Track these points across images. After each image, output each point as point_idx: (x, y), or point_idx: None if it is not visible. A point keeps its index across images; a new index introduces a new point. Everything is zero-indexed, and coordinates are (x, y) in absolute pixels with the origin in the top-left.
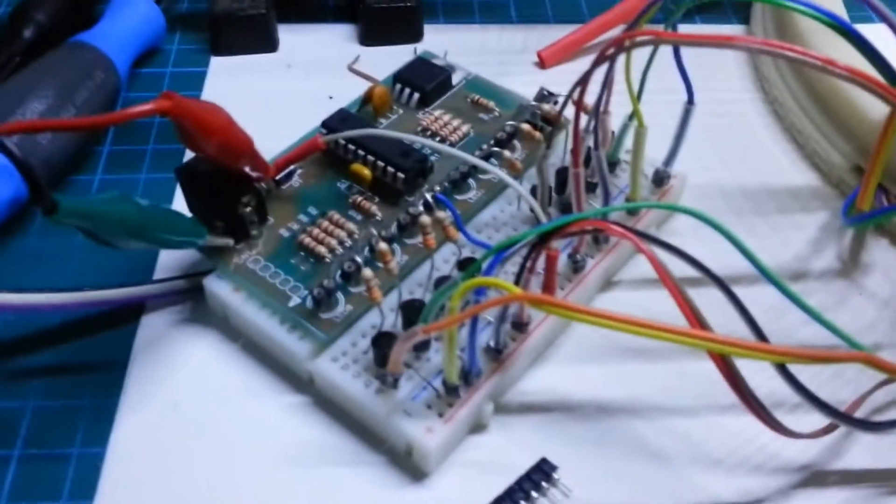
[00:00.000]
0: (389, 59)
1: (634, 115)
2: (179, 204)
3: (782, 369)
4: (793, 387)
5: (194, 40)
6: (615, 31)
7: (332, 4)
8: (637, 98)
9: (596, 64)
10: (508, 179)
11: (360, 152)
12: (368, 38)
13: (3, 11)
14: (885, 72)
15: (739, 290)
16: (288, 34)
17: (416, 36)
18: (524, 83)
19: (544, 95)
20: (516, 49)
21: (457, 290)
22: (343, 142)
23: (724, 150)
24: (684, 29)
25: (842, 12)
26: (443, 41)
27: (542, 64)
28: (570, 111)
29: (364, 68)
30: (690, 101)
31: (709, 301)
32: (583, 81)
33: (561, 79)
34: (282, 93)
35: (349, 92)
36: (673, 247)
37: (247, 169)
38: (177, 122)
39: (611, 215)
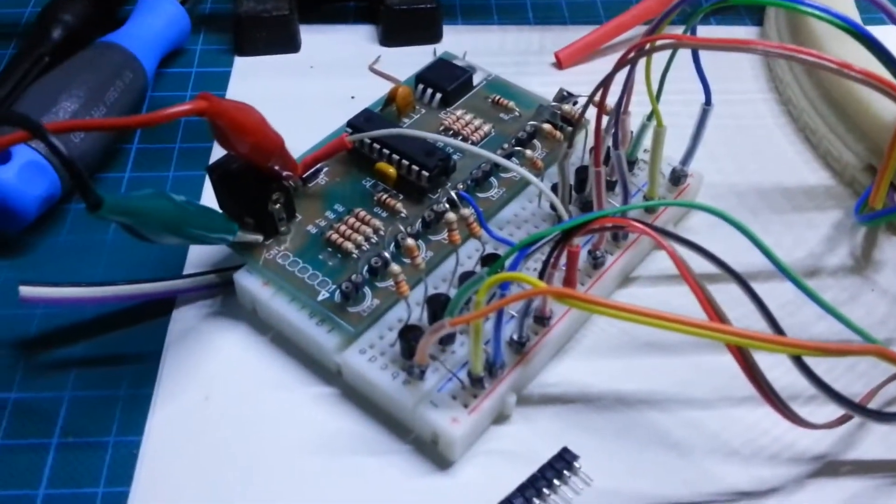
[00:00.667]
0: (409, 59)
1: (653, 115)
2: (207, 200)
3: (798, 361)
4: (808, 378)
5: (218, 41)
6: (631, 33)
7: (353, 6)
8: (656, 99)
9: (618, 67)
10: (531, 177)
11: (385, 151)
12: (388, 38)
13: (31, 12)
14: None
15: (755, 286)
16: (310, 35)
17: (435, 37)
18: (542, 83)
19: (564, 96)
20: (533, 50)
21: (483, 284)
22: (368, 141)
23: (739, 150)
24: (700, 31)
25: (854, 14)
26: (461, 42)
27: (560, 64)
28: (590, 111)
29: (384, 68)
30: (708, 102)
31: (725, 296)
32: (604, 84)
33: (577, 79)
34: (304, 92)
35: (370, 92)
36: (692, 242)
37: (276, 167)
38: (212, 123)
39: (629, 213)
